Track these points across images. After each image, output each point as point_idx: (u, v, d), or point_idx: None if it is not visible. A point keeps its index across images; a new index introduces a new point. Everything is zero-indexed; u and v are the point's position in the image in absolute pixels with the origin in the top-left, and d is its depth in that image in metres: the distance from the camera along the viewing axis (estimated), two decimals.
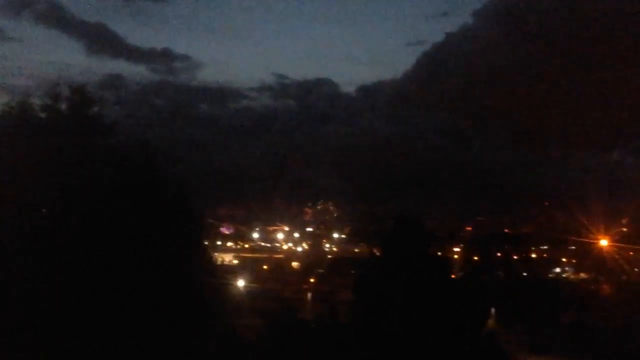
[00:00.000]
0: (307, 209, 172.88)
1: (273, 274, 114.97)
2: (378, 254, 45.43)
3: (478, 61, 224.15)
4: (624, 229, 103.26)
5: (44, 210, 22.54)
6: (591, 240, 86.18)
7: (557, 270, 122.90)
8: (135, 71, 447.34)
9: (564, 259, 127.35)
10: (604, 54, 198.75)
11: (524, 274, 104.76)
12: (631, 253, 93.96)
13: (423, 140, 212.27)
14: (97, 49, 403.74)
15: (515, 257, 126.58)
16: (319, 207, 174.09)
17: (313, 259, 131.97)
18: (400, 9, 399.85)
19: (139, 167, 25.83)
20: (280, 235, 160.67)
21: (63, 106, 25.96)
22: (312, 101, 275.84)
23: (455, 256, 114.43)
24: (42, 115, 25.82)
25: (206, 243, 56.58)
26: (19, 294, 21.84)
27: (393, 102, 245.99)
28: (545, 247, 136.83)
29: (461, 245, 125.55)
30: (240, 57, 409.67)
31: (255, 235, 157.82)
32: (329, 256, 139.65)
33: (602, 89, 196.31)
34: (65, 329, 22.28)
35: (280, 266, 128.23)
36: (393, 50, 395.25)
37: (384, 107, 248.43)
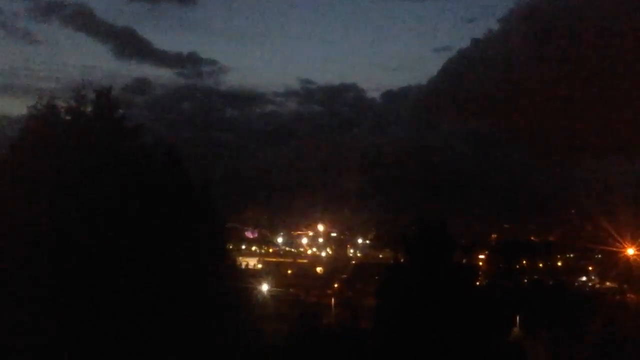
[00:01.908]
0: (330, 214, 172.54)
1: (297, 278, 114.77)
2: (402, 259, 45.25)
3: (503, 67, 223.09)
4: None
5: (68, 211, 22.59)
6: (617, 249, 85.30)
7: (584, 278, 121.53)
8: (162, 75, 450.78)
9: (590, 268, 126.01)
10: (635, 59, 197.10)
11: (550, 282, 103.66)
12: None
13: (448, 146, 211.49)
14: (125, 53, 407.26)
15: (541, 265, 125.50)
16: (343, 212, 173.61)
17: (337, 265, 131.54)
18: (427, 15, 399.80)
19: (163, 170, 25.84)
20: (304, 240, 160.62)
21: (88, 109, 26.00)
22: (337, 106, 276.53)
23: (481, 263, 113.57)
24: (67, 117, 25.87)
25: (230, 247, 56.58)
26: (42, 295, 21.95)
27: (418, 108, 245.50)
28: (572, 255, 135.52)
29: (486, 252, 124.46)
30: (267, 62, 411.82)
31: (280, 239, 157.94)
32: (353, 262, 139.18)
33: (632, 95, 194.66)
34: (91, 331, 22.29)
35: (304, 271, 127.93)
36: (419, 56, 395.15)
37: (409, 112, 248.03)
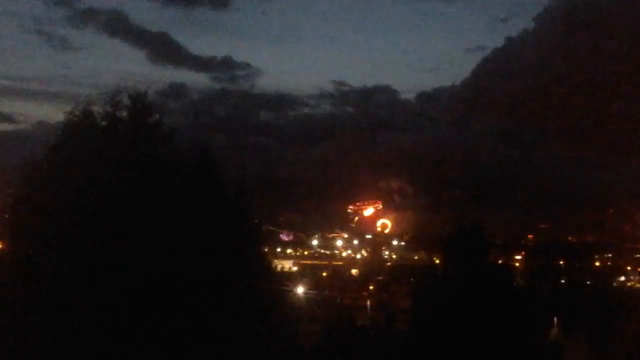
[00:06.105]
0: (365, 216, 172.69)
1: (332, 281, 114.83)
2: (437, 261, 45.22)
3: (538, 66, 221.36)
4: None
5: (102, 216, 22.90)
6: None
7: (622, 278, 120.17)
8: (197, 79, 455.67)
9: (628, 268, 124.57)
10: None
11: (588, 282, 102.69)
12: None
13: (483, 147, 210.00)
14: (160, 58, 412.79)
15: (578, 265, 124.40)
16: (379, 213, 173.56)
17: (372, 266, 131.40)
18: (460, 15, 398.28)
19: (197, 174, 26.03)
20: (339, 242, 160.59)
21: (124, 114, 26.20)
22: (371, 108, 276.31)
23: (517, 264, 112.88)
24: (103, 123, 26.10)
25: (266, 250, 56.84)
26: (74, 298, 22.26)
27: (453, 109, 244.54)
28: (610, 255, 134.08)
29: (523, 253, 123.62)
30: (300, 65, 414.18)
31: (315, 242, 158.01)
32: (388, 263, 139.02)
33: None
34: (121, 333, 22.57)
35: (339, 273, 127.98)
36: (453, 56, 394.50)
37: (443, 113, 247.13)
